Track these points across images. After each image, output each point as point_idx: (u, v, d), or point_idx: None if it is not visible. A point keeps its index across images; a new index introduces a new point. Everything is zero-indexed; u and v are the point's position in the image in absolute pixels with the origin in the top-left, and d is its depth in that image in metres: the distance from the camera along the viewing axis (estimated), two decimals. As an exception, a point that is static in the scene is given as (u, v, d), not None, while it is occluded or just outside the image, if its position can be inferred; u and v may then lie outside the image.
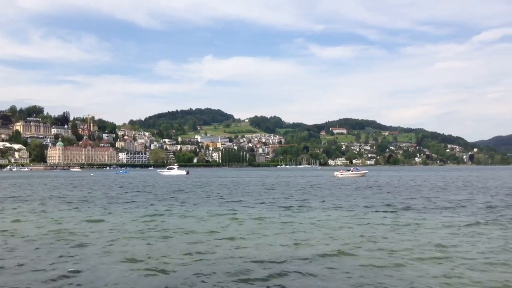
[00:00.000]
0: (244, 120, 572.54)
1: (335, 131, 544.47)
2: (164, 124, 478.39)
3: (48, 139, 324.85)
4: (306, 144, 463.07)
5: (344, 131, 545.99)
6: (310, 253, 14.15)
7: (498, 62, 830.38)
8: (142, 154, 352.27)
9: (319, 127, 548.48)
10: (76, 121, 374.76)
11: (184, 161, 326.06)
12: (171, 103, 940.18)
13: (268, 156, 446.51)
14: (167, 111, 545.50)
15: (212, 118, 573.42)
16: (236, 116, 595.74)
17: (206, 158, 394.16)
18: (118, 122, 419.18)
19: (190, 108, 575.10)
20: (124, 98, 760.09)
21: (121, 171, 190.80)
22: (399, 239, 16.64)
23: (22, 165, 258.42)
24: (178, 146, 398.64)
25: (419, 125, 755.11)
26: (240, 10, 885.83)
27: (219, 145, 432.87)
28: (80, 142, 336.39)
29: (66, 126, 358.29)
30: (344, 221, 21.66)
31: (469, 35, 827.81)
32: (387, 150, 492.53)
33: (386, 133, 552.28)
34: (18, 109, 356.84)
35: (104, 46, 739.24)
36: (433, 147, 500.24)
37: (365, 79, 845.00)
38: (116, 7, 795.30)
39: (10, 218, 24.08)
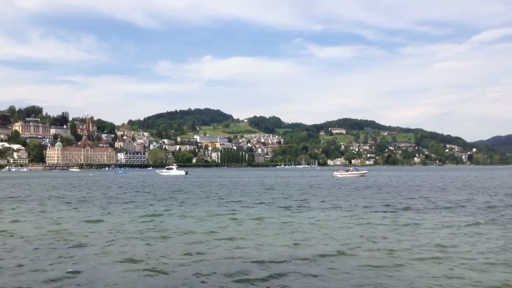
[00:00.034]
0: (243, 120, 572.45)
1: (334, 131, 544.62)
2: (163, 124, 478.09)
3: (47, 139, 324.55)
4: (305, 144, 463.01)
5: (343, 131, 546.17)
6: (309, 253, 14.12)
7: (497, 62, 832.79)
8: (141, 154, 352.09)
9: (318, 127, 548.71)
10: (75, 121, 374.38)
11: (183, 161, 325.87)
12: (170, 103, 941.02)
13: (267, 156, 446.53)
14: (166, 111, 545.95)
15: (211, 118, 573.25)
16: (235, 116, 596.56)
17: (205, 158, 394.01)
18: (117, 122, 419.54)
19: (189, 108, 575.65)
20: (123, 98, 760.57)
21: (120, 171, 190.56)
22: (398, 239, 16.63)
23: (21, 165, 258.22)
24: (177, 146, 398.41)
25: (418, 125, 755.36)
26: (239, 10, 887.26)
27: (218, 145, 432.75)
28: (79, 142, 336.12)
29: (65, 126, 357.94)
30: (344, 221, 21.65)
31: (468, 35, 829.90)
32: (386, 150, 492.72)
33: (385, 133, 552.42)
34: (17, 109, 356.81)
35: (103, 46, 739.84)
36: (432, 147, 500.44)
37: (364, 79, 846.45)
38: (115, 7, 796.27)
39: (9, 219, 24.04)
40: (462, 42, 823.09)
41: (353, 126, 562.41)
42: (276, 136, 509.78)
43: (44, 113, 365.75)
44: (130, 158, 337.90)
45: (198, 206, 30.46)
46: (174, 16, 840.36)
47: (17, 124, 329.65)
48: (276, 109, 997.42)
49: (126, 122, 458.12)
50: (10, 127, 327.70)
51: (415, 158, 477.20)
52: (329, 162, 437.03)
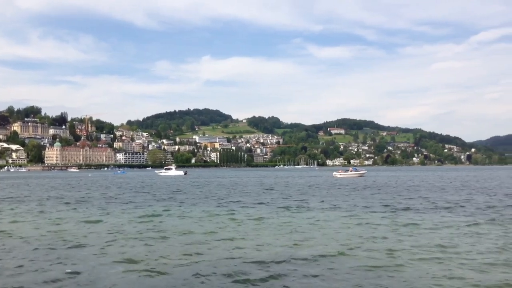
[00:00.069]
0: (242, 121, 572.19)
1: (333, 132, 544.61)
2: (162, 125, 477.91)
3: (46, 139, 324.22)
4: (304, 144, 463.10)
5: (342, 131, 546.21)
6: (309, 254, 14.11)
7: (496, 62, 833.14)
8: (140, 154, 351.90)
9: (317, 128, 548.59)
10: (74, 122, 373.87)
11: (182, 162, 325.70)
12: (169, 104, 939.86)
13: (266, 156, 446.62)
14: (165, 112, 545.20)
15: (210, 118, 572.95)
16: (234, 117, 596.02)
17: (204, 158, 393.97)
18: (116, 123, 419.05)
19: (188, 109, 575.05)
20: (122, 99, 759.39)
21: (119, 172, 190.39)
22: (398, 240, 16.62)
23: (20, 166, 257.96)
24: (176, 147, 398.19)
25: (417, 125, 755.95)
26: (238, 11, 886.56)
27: (217, 145, 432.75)
28: (78, 143, 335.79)
29: (63, 127, 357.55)
30: (343, 222, 21.64)
31: (467, 35, 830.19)
32: (385, 150, 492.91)
33: (384, 133, 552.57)
34: (15, 109, 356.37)
35: (102, 47, 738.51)
36: (431, 147, 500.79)
37: (363, 79, 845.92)
38: (113, 7, 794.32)
39: (8, 219, 24.00)
40: (461, 42, 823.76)
41: (352, 126, 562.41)
42: (275, 136, 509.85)
43: (42, 113, 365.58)
44: (129, 158, 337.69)
45: (197, 206, 30.43)
46: (173, 16, 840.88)
47: (15, 124, 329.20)
48: (275, 109, 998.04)
49: (125, 122, 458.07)
50: (8, 128, 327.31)
51: (414, 158, 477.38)
52: (328, 162, 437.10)
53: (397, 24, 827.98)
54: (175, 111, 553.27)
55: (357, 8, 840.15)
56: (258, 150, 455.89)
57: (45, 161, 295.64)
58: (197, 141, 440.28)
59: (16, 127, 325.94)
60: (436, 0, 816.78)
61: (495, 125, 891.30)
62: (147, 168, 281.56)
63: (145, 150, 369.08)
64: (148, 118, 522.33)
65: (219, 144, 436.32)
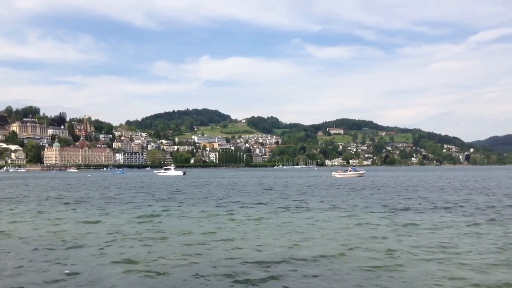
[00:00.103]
0: (241, 121, 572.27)
1: (332, 132, 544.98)
2: (161, 125, 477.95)
3: (45, 139, 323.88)
4: (303, 144, 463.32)
5: (341, 131, 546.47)
6: (309, 254, 14.08)
7: (495, 63, 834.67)
8: (139, 154, 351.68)
9: (316, 128, 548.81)
10: (73, 122, 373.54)
11: (181, 162, 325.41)
12: (168, 104, 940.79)
13: (265, 156, 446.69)
14: (164, 112, 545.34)
15: (209, 118, 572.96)
16: (233, 117, 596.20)
17: (203, 158, 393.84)
18: (115, 123, 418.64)
19: (187, 109, 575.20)
20: (121, 99, 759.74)
21: (118, 172, 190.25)
22: (398, 240, 16.61)
23: (19, 166, 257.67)
24: (175, 147, 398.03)
25: (416, 125, 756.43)
26: (237, 11, 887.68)
27: (216, 145, 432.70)
28: (76, 143, 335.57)
29: (62, 127, 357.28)
30: (343, 222, 21.62)
31: (466, 35, 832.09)
32: (384, 150, 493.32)
33: (383, 134, 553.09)
34: (14, 109, 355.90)
35: (101, 47, 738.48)
36: (430, 147, 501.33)
37: (362, 79, 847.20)
38: (112, 8, 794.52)
39: (7, 219, 23.97)
40: (459, 43, 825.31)
41: (351, 126, 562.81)
42: (274, 137, 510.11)
43: (41, 114, 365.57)
44: (128, 158, 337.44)
45: (197, 206, 30.40)
46: (172, 17, 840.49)
47: (14, 124, 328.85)
48: (274, 110, 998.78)
49: (124, 122, 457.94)
50: (7, 128, 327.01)
51: (413, 158, 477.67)
52: (327, 162, 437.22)
53: (396, 25, 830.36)
54: (174, 111, 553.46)
55: (356, 9, 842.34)
56: (257, 150, 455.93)
57: (44, 161, 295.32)
58: (196, 141, 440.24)
59: (15, 127, 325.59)
60: (434, 1, 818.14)
61: (494, 125, 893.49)
62: (146, 168, 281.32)
63: (144, 150, 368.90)
64: (147, 118, 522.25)
65: (218, 144, 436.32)
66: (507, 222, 21.02)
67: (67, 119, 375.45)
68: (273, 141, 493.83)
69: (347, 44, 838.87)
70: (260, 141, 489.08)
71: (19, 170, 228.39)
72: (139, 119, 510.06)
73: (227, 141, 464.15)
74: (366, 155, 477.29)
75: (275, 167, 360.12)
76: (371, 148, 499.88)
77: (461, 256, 13.83)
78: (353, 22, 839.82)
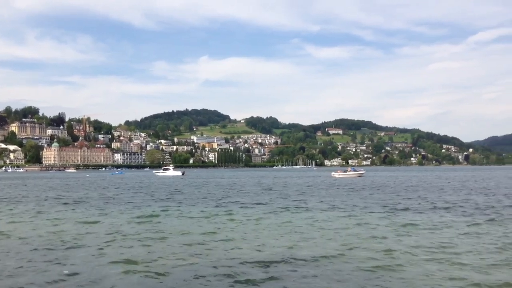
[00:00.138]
0: (240, 121, 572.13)
1: (331, 132, 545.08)
2: (160, 125, 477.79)
3: (44, 140, 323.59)
4: (302, 144, 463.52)
5: (340, 131, 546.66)
6: (308, 254, 14.06)
7: (494, 63, 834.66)
8: (138, 155, 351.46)
9: (315, 128, 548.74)
10: (72, 122, 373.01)
11: (180, 162, 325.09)
12: (167, 104, 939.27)
13: (264, 156, 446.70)
14: (163, 112, 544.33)
15: (208, 118, 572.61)
16: (232, 117, 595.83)
17: (202, 158, 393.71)
18: (113, 123, 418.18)
19: (186, 109, 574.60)
20: (120, 99, 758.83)
21: (117, 172, 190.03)
22: (397, 240, 16.59)
23: (18, 166, 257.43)
24: (174, 147, 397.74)
25: (415, 125, 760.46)
26: (236, 11, 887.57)
27: (215, 145, 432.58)
28: (75, 143, 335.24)
29: (61, 127, 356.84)
30: (342, 222, 21.61)
31: (465, 35, 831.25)
32: (383, 150, 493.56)
33: (382, 134, 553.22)
34: (13, 109, 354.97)
35: (100, 47, 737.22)
36: (429, 147, 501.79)
37: (361, 79, 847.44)
38: (111, 8, 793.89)
39: (6, 219, 23.94)
40: (458, 43, 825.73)
41: (350, 126, 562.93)
42: (273, 137, 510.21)
43: (40, 114, 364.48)
44: (127, 158, 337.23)
45: (196, 206, 30.36)
46: (171, 17, 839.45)
47: (13, 124, 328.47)
48: (273, 110, 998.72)
49: (123, 122, 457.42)
50: (6, 128, 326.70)
51: (412, 159, 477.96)
52: (326, 162, 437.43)
53: (395, 25, 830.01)
54: (173, 111, 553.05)
55: (355, 9, 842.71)
56: (256, 151, 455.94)
57: (43, 162, 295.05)
58: (195, 141, 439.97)
59: (13, 127, 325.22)
60: (433, 1, 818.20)
61: (493, 125, 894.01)
62: (145, 169, 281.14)
63: (143, 150, 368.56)
64: (146, 118, 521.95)
65: (217, 145, 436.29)
66: (507, 222, 21.02)
67: (66, 119, 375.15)
68: (272, 141, 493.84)
69: (346, 44, 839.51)
70: (259, 141, 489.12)
71: (17, 170, 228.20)
72: (138, 119, 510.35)
73: (226, 141, 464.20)
74: (365, 155, 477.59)
75: (274, 167, 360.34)
76: (370, 148, 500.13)
77: (461, 256, 13.82)
78: (352, 22, 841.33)
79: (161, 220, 22.94)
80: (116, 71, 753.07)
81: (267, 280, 11.34)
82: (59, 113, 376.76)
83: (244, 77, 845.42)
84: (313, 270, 12.24)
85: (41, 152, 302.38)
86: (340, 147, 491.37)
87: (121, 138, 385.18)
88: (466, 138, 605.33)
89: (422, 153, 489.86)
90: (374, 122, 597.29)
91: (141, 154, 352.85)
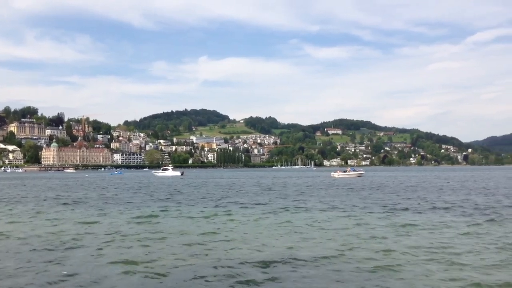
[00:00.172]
0: (239, 121, 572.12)
1: (330, 132, 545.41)
2: (159, 125, 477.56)
3: (43, 140, 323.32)
4: (301, 144, 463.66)
5: (339, 131, 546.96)
6: (308, 254, 14.04)
7: (493, 63, 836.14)
8: (137, 155, 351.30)
9: (314, 128, 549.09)
10: (71, 122, 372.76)
11: (179, 162, 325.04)
12: (166, 104, 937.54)
13: (264, 156, 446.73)
14: (162, 112, 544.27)
15: (207, 118, 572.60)
16: (231, 117, 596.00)
17: (201, 159, 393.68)
18: (113, 123, 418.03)
19: (185, 109, 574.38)
20: (119, 99, 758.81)
21: (116, 172, 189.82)
22: (397, 240, 16.58)
23: (17, 166, 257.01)
24: (173, 147, 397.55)
25: (414, 125, 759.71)
26: (235, 11, 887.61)
27: (214, 146, 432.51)
28: (74, 143, 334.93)
29: (60, 127, 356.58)
30: (342, 222, 21.59)
31: (464, 35, 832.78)
32: (382, 150, 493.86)
33: (381, 134, 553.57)
34: (12, 110, 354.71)
35: (99, 47, 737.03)
36: (428, 147, 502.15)
37: (360, 79, 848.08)
38: (110, 8, 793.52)
39: (5, 220, 23.89)
40: (457, 43, 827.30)
41: (349, 126, 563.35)
42: (272, 137, 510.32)
43: (39, 114, 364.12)
44: (126, 159, 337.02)
45: (195, 207, 30.33)
46: (170, 17, 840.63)
47: (12, 125, 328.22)
48: (272, 110, 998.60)
49: (122, 122, 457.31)
50: (5, 128, 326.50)
51: (411, 159, 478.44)
52: (325, 162, 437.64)
53: (394, 25, 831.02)
54: (172, 111, 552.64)
55: (354, 9, 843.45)
56: (255, 151, 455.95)
57: (42, 162, 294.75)
58: (194, 141, 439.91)
59: (12, 127, 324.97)
60: (432, 1, 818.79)
61: (492, 126, 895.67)
62: (144, 169, 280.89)
63: (142, 150, 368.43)
64: (145, 118, 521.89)
65: (216, 145, 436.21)
66: (507, 222, 21.02)
67: (65, 119, 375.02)
68: (272, 141, 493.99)
69: (345, 44, 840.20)
70: (259, 141, 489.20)
71: (16, 171, 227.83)
72: (137, 120, 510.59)
73: (226, 141, 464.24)
74: (364, 155, 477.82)
75: (274, 167, 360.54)
76: (369, 148, 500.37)
77: (461, 256, 13.81)
78: (351, 22, 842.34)
79: (161, 221, 22.90)
80: (115, 71, 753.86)
81: (267, 280, 11.31)
82: (58, 113, 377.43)
83: (243, 77, 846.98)
84: (313, 271, 12.21)
85: (40, 152, 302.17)
86: (339, 147, 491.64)
87: (120, 138, 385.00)
88: (465, 138, 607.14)
89: (421, 153, 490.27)
90: (373, 122, 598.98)
91: (140, 154, 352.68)
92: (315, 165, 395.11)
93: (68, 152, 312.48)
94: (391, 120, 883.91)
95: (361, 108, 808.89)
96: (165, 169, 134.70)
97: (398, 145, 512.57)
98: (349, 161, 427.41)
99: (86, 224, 21.69)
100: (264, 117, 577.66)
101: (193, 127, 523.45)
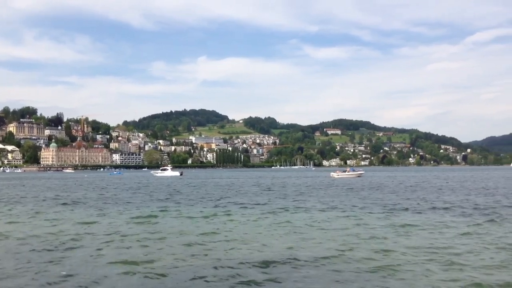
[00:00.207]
0: (238, 121, 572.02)
1: (329, 132, 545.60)
2: (159, 125, 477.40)
3: (42, 140, 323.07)
4: (301, 144, 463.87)
5: (339, 131, 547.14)
6: (308, 255, 14.01)
7: (492, 63, 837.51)
8: (136, 155, 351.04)
9: (313, 128, 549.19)
10: (70, 122, 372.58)
11: (178, 162, 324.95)
12: (166, 104, 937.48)
13: (263, 157, 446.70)
14: (161, 112, 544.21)
15: (207, 119, 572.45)
16: (230, 117, 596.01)
17: (200, 159, 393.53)
18: (112, 123, 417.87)
19: (185, 109, 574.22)
20: (118, 99, 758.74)
21: (115, 172, 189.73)
22: (397, 240, 16.56)
23: (16, 167, 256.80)
24: (173, 147, 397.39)
25: (413, 125, 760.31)
26: (234, 11, 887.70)
27: (213, 146, 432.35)
28: (73, 143, 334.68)
29: (59, 127, 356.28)
30: (342, 222, 21.57)
31: (463, 36, 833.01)
32: (381, 150, 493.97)
33: (380, 134, 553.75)
34: (11, 110, 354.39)
35: (98, 47, 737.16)
36: (427, 147, 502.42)
37: (359, 79, 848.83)
38: (109, 8, 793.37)
39: (4, 220, 23.85)
40: (456, 43, 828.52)
41: (348, 126, 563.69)
42: (272, 137, 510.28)
43: (38, 114, 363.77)
44: (125, 159, 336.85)
45: (194, 207, 30.30)
46: (169, 17, 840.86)
47: (11, 125, 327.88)
48: (272, 110, 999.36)
49: (121, 123, 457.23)
50: (4, 128, 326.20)
51: (410, 159, 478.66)
52: (324, 162, 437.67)
53: (393, 25, 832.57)
54: (171, 111, 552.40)
55: (353, 9, 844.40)
56: (255, 151, 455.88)
57: (41, 162, 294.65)
58: (194, 141, 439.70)
59: (11, 127, 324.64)
60: (431, 1, 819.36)
61: (491, 126, 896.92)
62: (143, 169, 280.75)
63: (141, 150, 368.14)
64: (144, 118, 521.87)
65: (216, 145, 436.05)
66: (507, 222, 21.00)
67: (64, 119, 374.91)
68: (271, 141, 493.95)
69: (345, 44, 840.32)
70: (258, 141, 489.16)
71: (15, 171, 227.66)
72: (137, 120, 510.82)
73: (225, 141, 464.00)
74: (363, 156, 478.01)
75: (273, 167, 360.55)
76: (368, 148, 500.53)
77: (461, 256, 13.79)
78: (350, 22, 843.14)
79: (160, 221, 22.86)
80: (115, 71, 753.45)
81: (267, 281, 11.28)
82: (57, 113, 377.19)
83: (242, 78, 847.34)
84: (313, 271, 12.19)
85: (39, 153, 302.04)
86: (338, 147, 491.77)
87: (119, 138, 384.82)
88: (464, 138, 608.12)
89: (420, 153, 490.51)
90: (372, 122, 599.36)
91: (139, 155, 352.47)
92: (314, 165, 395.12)
93: (67, 152, 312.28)
94: (390, 120, 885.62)
95: (360, 108, 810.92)
96: (164, 169, 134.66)
97: (397, 145, 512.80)
98: (348, 161, 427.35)
99: (86, 224, 21.65)
100: (263, 117, 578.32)
101: (192, 127, 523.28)
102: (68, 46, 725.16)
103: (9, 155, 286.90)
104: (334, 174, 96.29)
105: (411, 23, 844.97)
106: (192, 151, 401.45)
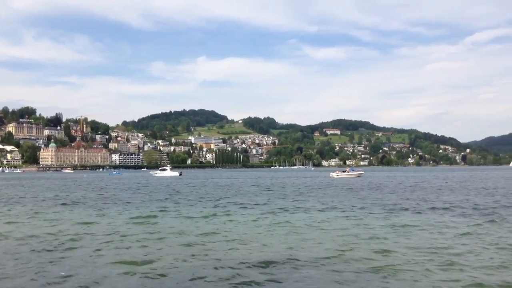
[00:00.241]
0: (238, 121, 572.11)
1: (328, 132, 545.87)
2: (158, 125, 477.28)
3: (41, 140, 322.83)
4: (300, 145, 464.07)
5: (338, 132, 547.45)
6: (308, 255, 14.00)
7: (491, 63, 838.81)
8: (135, 155, 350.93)
9: (312, 128, 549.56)
10: (69, 122, 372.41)
11: (177, 162, 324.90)
12: (165, 104, 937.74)
13: (262, 157, 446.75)
14: (160, 112, 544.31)
15: (206, 119, 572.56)
16: (230, 117, 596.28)
17: (199, 159, 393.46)
18: (111, 123, 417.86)
19: (184, 109, 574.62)
20: (117, 99, 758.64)
21: (114, 173, 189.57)
22: (397, 240, 16.54)
23: (15, 167, 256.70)
24: (172, 147, 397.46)
25: (412, 126, 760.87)
26: (233, 11, 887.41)
27: (212, 146, 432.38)
28: (73, 144, 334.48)
29: (58, 128, 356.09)
30: (341, 222, 21.55)
31: (462, 36, 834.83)
32: (381, 150, 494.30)
33: (380, 134, 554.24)
34: (10, 110, 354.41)
35: (97, 47, 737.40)
36: (426, 147, 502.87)
37: (358, 80, 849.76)
38: (108, 8, 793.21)
39: (3, 220, 23.82)
40: (455, 43, 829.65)
41: (348, 126, 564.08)
42: (271, 137, 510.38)
43: (37, 114, 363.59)
44: (124, 159, 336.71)
45: (194, 207, 30.26)
46: (169, 17, 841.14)
47: (10, 125, 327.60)
48: (271, 110, 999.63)
49: (120, 123, 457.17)
50: (3, 128, 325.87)
51: (409, 159, 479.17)
52: (324, 162, 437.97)
53: (392, 25, 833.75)
54: (170, 111, 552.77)
55: (352, 9, 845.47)
56: (254, 151, 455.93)
57: (40, 162, 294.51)
58: (193, 141, 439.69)
59: (11, 127, 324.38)
60: (431, 1, 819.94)
61: (490, 126, 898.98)
62: (142, 169, 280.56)
63: (140, 151, 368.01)
64: (143, 118, 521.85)
65: (215, 145, 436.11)
66: (506, 223, 21.00)
67: (64, 119, 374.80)
68: (270, 141, 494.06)
69: (344, 44, 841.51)
70: (257, 141, 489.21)
71: (14, 171, 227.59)
72: (136, 120, 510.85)
73: (224, 141, 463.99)
74: (362, 156, 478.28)
75: (272, 167, 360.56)
76: (367, 148, 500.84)
77: (461, 256, 13.77)
78: (349, 22, 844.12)
79: (159, 221, 22.83)
80: (114, 71, 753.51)
81: (267, 281, 11.26)
82: (56, 113, 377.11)
83: (241, 78, 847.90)
84: (313, 271, 12.17)
85: (38, 153, 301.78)
86: (337, 148, 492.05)
87: (119, 138, 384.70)
88: (463, 139, 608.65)
89: (420, 153, 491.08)
90: (371, 122, 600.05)
91: (138, 155, 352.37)
92: (314, 165, 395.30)
93: (66, 152, 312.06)
94: (390, 120, 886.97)
95: (360, 108, 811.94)
96: (163, 169, 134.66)
97: (397, 145, 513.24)
98: (347, 161, 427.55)
99: (85, 224, 21.62)
100: (262, 117, 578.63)
101: (191, 127, 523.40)
102: (67, 46, 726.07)
103: (8, 155, 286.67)
104: (334, 174, 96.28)
105: (410, 23, 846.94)
106: (191, 151, 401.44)
